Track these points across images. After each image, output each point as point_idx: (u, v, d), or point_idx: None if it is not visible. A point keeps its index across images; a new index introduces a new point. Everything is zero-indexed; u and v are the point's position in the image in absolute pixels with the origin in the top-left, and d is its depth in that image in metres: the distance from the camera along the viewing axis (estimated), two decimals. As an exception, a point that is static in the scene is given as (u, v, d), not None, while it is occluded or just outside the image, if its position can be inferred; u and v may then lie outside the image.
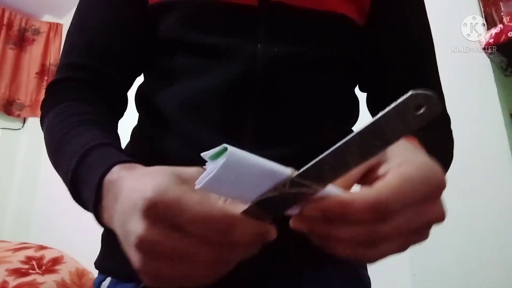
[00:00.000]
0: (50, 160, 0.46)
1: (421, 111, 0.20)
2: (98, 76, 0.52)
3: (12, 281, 1.27)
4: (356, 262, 0.29)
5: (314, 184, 0.25)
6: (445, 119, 0.55)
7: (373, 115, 0.51)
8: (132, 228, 0.27)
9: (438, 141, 0.47)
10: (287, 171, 0.25)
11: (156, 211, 0.25)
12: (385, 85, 0.57)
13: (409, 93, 0.20)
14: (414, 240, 0.29)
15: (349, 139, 0.23)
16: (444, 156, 0.47)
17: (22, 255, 1.44)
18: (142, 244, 0.26)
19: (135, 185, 0.28)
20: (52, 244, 1.66)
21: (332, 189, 0.27)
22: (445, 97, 0.57)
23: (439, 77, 0.57)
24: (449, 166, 0.50)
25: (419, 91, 0.20)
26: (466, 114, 1.16)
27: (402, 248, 0.29)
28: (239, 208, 0.27)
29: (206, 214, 0.25)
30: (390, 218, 0.27)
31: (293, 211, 0.28)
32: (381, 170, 0.30)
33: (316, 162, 0.24)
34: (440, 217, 0.29)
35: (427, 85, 0.55)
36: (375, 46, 0.56)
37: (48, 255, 1.50)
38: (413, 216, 0.28)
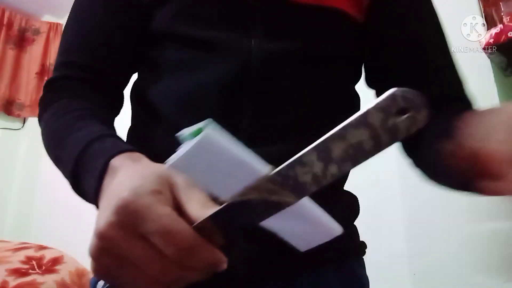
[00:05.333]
0: (50, 155, 0.46)
1: (405, 116, 0.14)
2: (95, 74, 0.52)
3: (12, 281, 1.27)
4: None
5: (294, 196, 0.22)
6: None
7: None
8: (101, 217, 0.27)
9: None
10: (265, 168, 0.23)
11: (126, 213, 0.26)
12: (391, 80, 0.55)
13: (388, 92, 0.14)
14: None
15: (327, 138, 0.19)
16: None
17: (22, 255, 1.43)
18: (102, 238, 0.27)
19: (122, 180, 0.29)
20: (52, 244, 1.66)
21: (307, 201, 0.24)
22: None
23: (452, 61, 0.53)
24: None
25: (398, 90, 0.14)
26: (466, 114, 1.16)
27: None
28: (207, 212, 0.25)
29: (171, 228, 0.25)
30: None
31: (267, 222, 0.25)
32: None
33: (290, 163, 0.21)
34: None
35: (438, 75, 0.53)
36: (378, 41, 0.55)
37: (48, 255, 1.49)
38: None
